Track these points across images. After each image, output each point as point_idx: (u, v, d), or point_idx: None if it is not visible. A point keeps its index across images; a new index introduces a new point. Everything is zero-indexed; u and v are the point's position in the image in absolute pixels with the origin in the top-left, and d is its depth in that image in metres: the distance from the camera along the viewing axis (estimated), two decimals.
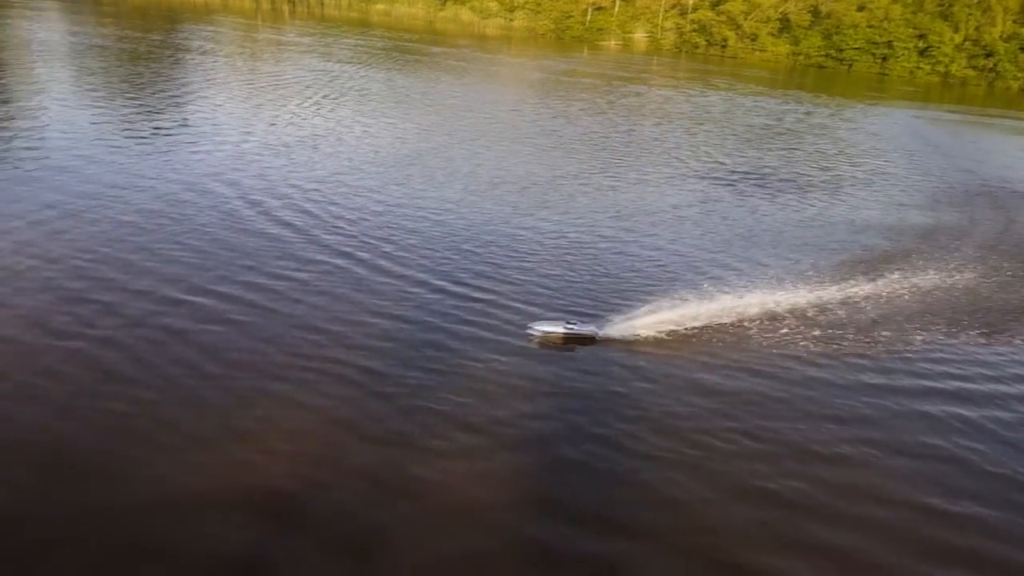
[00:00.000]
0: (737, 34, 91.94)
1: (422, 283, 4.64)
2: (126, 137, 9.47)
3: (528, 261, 5.43)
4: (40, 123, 9.87)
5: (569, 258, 5.31)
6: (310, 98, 13.31)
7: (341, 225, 6.21)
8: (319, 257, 5.22)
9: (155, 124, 10.04)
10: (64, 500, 2.77)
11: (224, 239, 5.59)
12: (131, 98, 12.09)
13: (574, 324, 4.81)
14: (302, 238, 5.84)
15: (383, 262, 5.14)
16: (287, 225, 6.23)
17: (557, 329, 4.47)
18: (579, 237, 5.91)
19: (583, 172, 8.28)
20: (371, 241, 5.76)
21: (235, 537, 2.57)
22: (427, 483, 2.78)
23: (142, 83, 13.77)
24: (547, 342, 4.28)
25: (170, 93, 12.82)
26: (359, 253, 5.34)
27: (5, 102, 11.15)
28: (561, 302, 4.59)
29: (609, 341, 4.17)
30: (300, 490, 2.87)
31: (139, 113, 10.97)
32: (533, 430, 4.05)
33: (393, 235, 5.77)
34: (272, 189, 7.10)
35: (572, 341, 4.62)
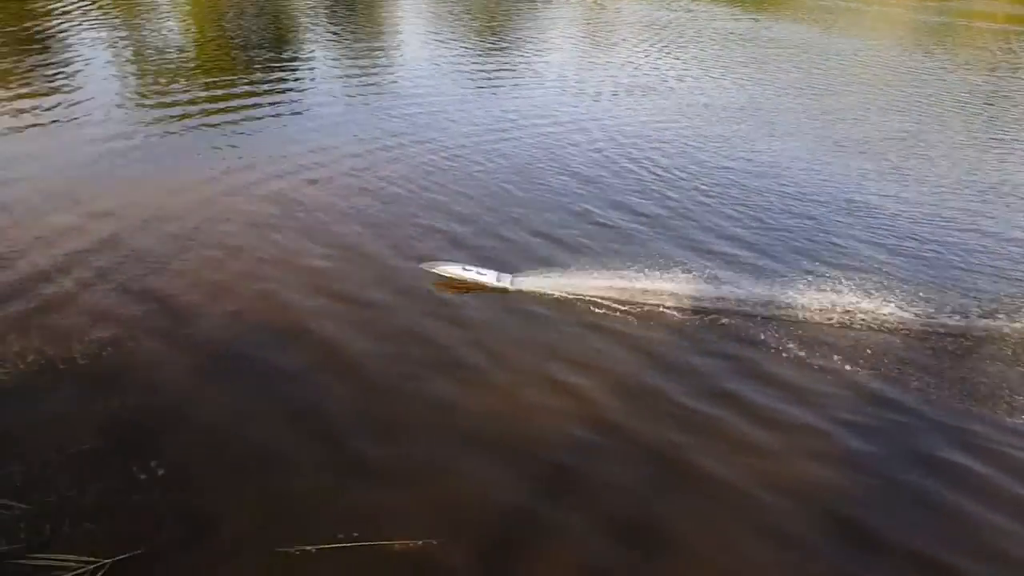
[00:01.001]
0: None
1: (737, 256, 4.42)
2: (472, 76, 8.80)
3: (883, 239, 5.07)
4: (399, 60, 9.16)
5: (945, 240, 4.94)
6: (648, 43, 11.90)
7: (672, 175, 5.81)
8: (646, 209, 4.91)
9: (486, 66, 9.19)
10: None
11: (547, 182, 5.41)
12: (478, 40, 11.07)
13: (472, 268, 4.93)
14: (626, 185, 5.51)
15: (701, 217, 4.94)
16: (606, 172, 5.88)
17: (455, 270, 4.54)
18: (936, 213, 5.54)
19: (955, 140, 7.56)
20: (699, 197, 5.44)
21: (508, 485, 2.52)
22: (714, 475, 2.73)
23: (488, 26, 12.56)
24: (453, 285, 4.41)
25: (513, 37, 11.68)
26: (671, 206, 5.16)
27: (373, 40, 10.21)
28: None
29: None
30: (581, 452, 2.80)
31: (485, 57, 10.05)
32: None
33: (724, 191, 5.46)
34: (604, 135, 6.60)
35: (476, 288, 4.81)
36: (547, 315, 4.56)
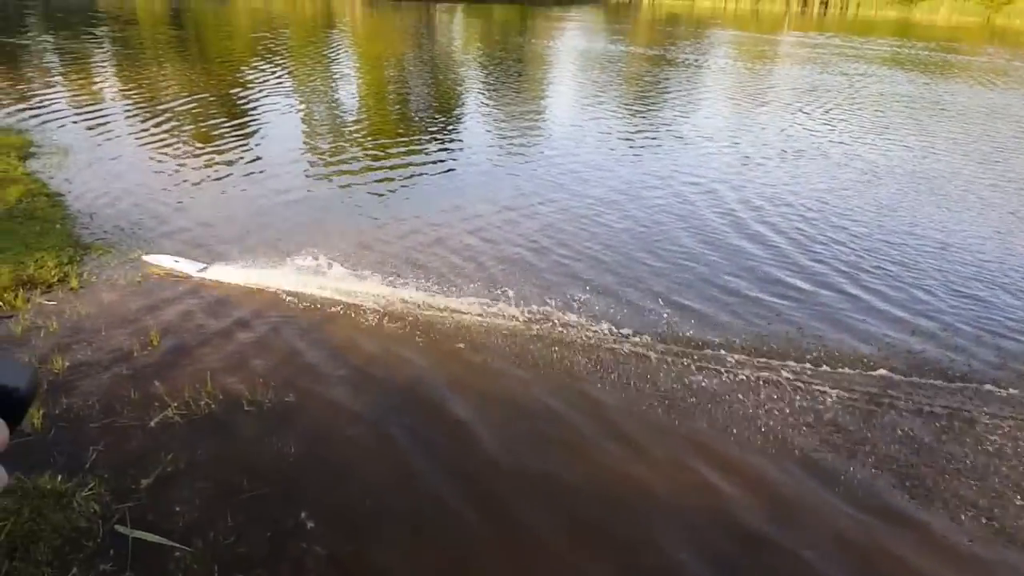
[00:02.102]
0: None
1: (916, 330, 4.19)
2: (615, 139, 9.65)
3: None
4: (543, 124, 10.46)
5: None
6: (801, 106, 12.39)
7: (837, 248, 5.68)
8: (799, 282, 4.83)
9: (642, 129, 10.01)
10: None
11: (697, 247, 5.48)
12: (625, 104, 12.34)
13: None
14: (784, 254, 5.41)
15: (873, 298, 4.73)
16: (761, 238, 5.81)
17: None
18: None
19: None
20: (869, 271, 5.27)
21: (695, 546, 2.53)
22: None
23: (638, 91, 14.01)
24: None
25: (661, 101, 12.78)
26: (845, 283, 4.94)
27: (521, 104, 11.87)
28: None
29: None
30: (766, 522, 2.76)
31: (630, 118, 11.11)
32: None
33: (889, 268, 5.28)
34: (753, 200, 6.73)
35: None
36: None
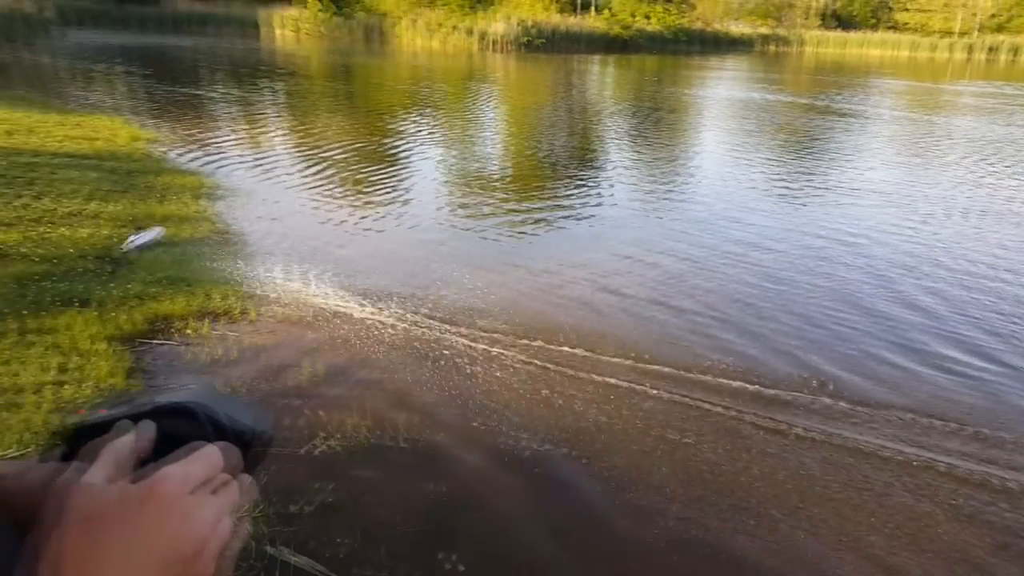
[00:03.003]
0: None
1: None
2: (764, 191, 10.07)
3: None
4: (687, 174, 11.25)
5: None
6: (987, 161, 12.39)
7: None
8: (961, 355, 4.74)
9: (794, 181, 10.42)
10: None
11: (846, 310, 5.57)
12: (776, 155, 12.97)
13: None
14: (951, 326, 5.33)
15: None
16: (923, 305, 5.74)
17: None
18: None
19: None
20: None
21: None
22: None
23: (791, 141, 14.71)
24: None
25: (816, 152, 13.33)
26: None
27: (665, 153, 12.98)
28: None
29: None
30: None
31: (781, 170, 11.60)
32: None
33: None
34: (913, 262, 6.79)
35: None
36: None
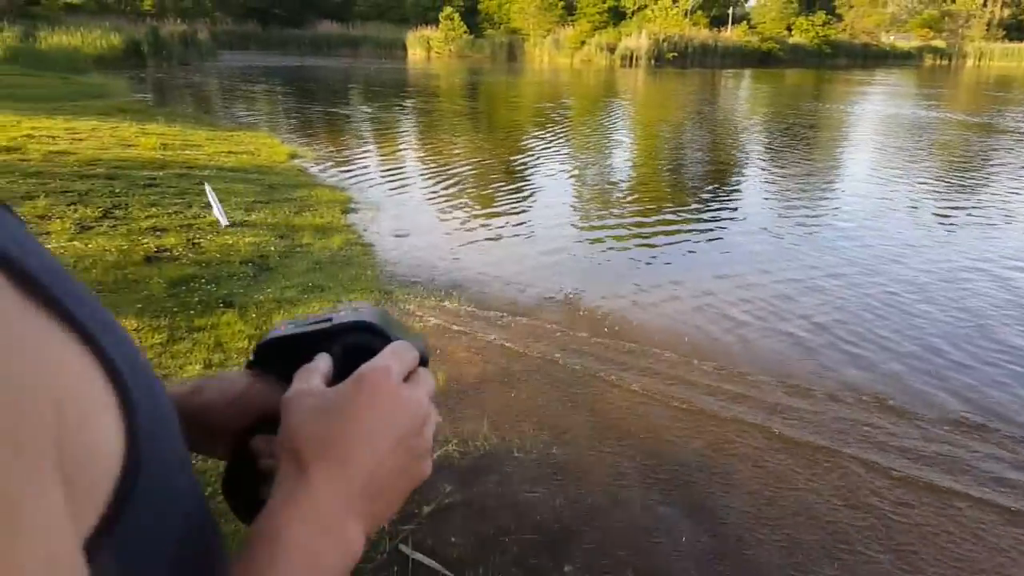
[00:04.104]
0: None
1: None
2: (922, 214, 10.05)
3: None
4: (832, 194, 11.51)
5: None
6: None
7: None
8: None
9: (958, 205, 10.32)
10: None
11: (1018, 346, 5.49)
12: (936, 176, 12.88)
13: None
14: None
15: None
16: None
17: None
18: None
19: None
20: None
21: None
22: None
23: (954, 161, 14.67)
24: None
25: (985, 174, 13.11)
26: None
27: (808, 172, 13.42)
28: None
29: None
30: None
31: (942, 192, 11.52)
32: None
33: None
34: None
35: None
36: None
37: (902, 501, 3.89)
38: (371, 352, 0.66)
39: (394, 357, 0.66)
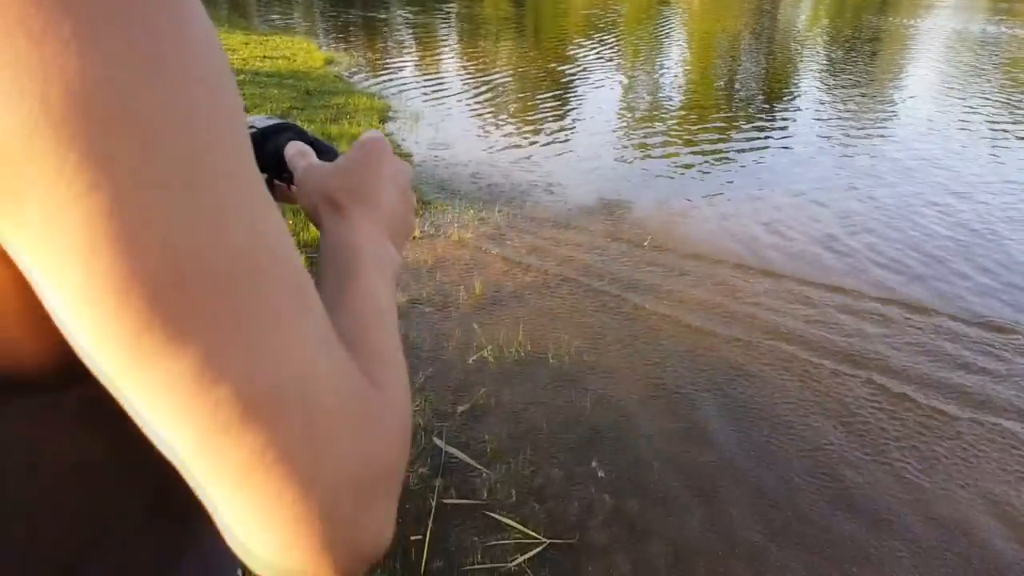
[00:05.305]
0: None
1: None
2: (973, 135, 9.85)
3: None
4: (886, 111, 11.37)
5: None
6: None
7: None
8: None
9: (1015, 126, 10.18)
10: None
11: None
12: (997, 96, 12.54)
13: None
14: None
15: None
16: None
17: None
18: None
19: None
20: None
21: None
22: None
23: (1014, 79, 14.22)
24: None
25: None
26: None
27: (864, 88, 13.19)
28: None
29: None
30: None
31: (1000, 112, 11.24)
32: None
33: None
34: None
35: None
36: None
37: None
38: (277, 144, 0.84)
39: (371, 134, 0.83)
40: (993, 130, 10.42)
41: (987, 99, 12.56)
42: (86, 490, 0.55)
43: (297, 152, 0.83)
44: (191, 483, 0.44)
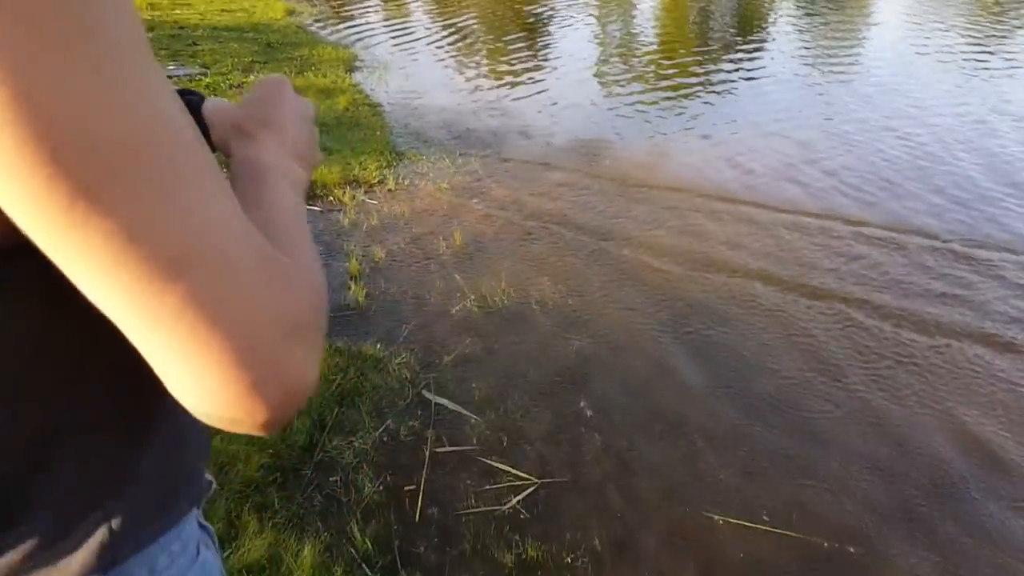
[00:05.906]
0: None
1: None
2: (958, 65, 9.53)
3: None
4: (868, 41, 11.09)
5: None
6: None
7: None
8: None
9: (1002, 57, 9.91)
10: None
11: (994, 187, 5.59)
12: (986, 25, 12.17)
13: None
14: None
15: None
16: None
17: None
18: None
19: None
20: None
21: None
22: None
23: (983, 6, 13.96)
24: None
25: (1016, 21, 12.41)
26: None
27: (846, 20, 12.89)
28: None
29: None
30: None
31: (989, 43, 10.92)
32: None
33: None
34: None
35: None
36: None
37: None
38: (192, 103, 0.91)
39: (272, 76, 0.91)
40: (985, 62, 10.41)
41: (957, 25, 12.53)
42: (54, 377, 0.60)
43: (211, 102, 0.92)
44: (136, 345, 0.48)
